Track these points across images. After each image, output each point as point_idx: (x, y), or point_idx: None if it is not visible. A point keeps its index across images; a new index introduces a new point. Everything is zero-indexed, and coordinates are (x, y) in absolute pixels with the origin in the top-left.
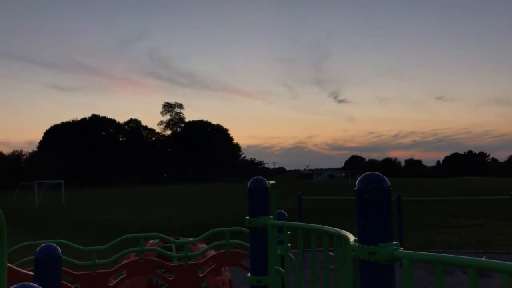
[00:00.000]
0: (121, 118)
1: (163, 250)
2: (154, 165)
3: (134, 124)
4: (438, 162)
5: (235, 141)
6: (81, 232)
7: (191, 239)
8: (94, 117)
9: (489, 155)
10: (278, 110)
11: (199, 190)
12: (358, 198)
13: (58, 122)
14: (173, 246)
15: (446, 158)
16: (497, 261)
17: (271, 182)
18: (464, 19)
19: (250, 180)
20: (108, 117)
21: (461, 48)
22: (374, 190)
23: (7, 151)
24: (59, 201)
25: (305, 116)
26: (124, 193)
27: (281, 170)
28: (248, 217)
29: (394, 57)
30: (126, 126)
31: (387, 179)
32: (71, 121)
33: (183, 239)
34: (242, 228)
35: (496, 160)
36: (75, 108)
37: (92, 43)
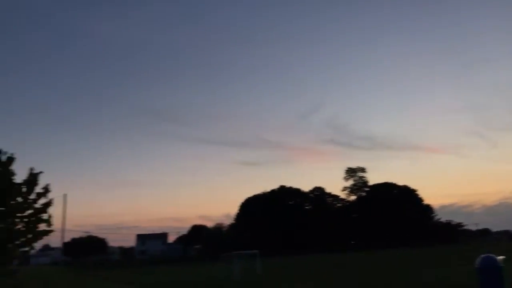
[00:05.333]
0: (305, 187)
1: None
2: (341, 232)
3: (318, 192)
4: None
5: (425, 201)
6: None
7: None
8: (282, 188)
9: None
10: (473, 163)
11: (401, 258)
12: None
13: (249, 194)
14: None
15: None
16: None
17: (500, 257)
18: None
19: (480, 258)
20: (294, 187)
21: None
22: None
23: (210, 224)
24: (254, 271)
25: (509, 167)
26: (319, 261)
27: (485, 231)
28: None
29: None
30: (311, 195)
31: None
32: (261, 193)
33: None
34: None
35: None
36: (261, 180)
37: (273, 120)
